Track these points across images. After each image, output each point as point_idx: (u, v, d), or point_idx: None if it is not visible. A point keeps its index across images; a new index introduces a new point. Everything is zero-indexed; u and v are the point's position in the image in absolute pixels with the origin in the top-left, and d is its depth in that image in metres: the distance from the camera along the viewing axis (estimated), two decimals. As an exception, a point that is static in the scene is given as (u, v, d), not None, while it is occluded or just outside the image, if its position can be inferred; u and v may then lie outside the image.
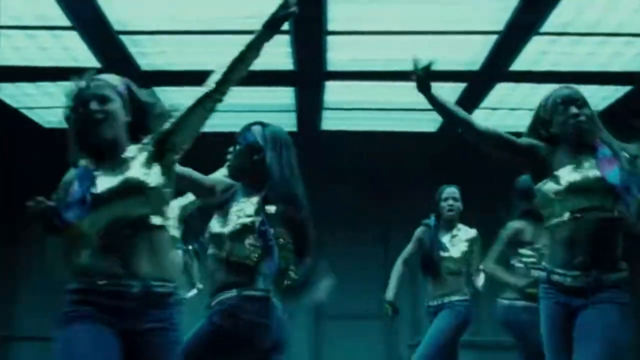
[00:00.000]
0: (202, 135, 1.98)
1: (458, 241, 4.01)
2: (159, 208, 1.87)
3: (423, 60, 2.29)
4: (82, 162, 1.89)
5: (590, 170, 2.23)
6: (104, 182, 1.83)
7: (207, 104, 1.92)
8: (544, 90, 5.60)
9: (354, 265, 6.67)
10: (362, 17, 4.34)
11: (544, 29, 4.41)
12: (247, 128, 2.52)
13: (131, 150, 1.90)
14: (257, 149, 2.46)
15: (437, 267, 3.94)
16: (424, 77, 2.30)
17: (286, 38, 4.57)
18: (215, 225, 2.38)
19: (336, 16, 4.28)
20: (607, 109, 5.40)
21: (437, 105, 2.38)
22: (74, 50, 4.76)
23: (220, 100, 1.94)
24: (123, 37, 4.56)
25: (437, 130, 6.47)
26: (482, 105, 5.83)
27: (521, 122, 5.90)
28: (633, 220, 2.22)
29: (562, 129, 2.30)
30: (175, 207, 3.53)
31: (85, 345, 1.74)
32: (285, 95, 5.76)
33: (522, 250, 3.62)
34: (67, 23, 4.35)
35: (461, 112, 2.39)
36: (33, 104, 5.95)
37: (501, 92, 5.56)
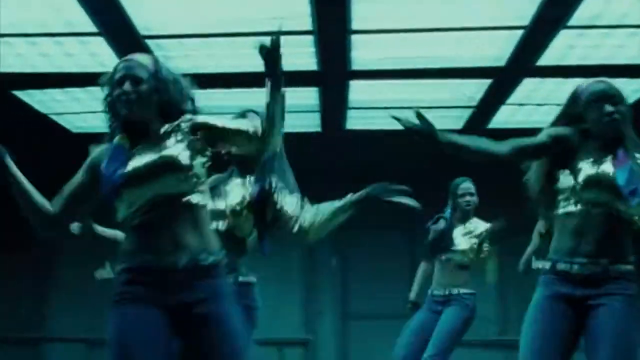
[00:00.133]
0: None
1: (469, 235, 4.01)
2: (195, 185, 1.89)
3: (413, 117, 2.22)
4: (117, 140, 1.92)
5: (606, 166, 2.18)
6: (139, 160, 1.87)
7: (247, 143, 2.01)
8: (572, 84, 5.50)
9: (380, 265, 6.66)
10: (386, 15, 4.31)
11: (571, 22, 4.33)
12: (244, 116, 2.59)
13: (166, 128, 1.93)
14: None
15: (443, 256, 3.96)
16: (425, 126, 2.20)
17: (310, 38, 4.58)
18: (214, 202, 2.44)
19: (360, 15, 4.27)
20: (637, 101, 5.29)
21: (456, 147, 2.23)
22: (101, 56, 4.83)
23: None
24: (149, 42, 4.61)
25: (463, 127, 6.42)
26: (509, 101, 5.76)
27: (548, 117, 5.82)
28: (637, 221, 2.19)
29: (596, 126, 2.21)
30: None
31: (134, 328, 1.77)
32: (309, 96, 5.76)
33: None
34: (94, 29, 4.41)
35: (481, 144, 2.26)
36: (62, 110, 6.05)
37: (528, 87, 5.49)
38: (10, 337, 6.32)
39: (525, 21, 4.32)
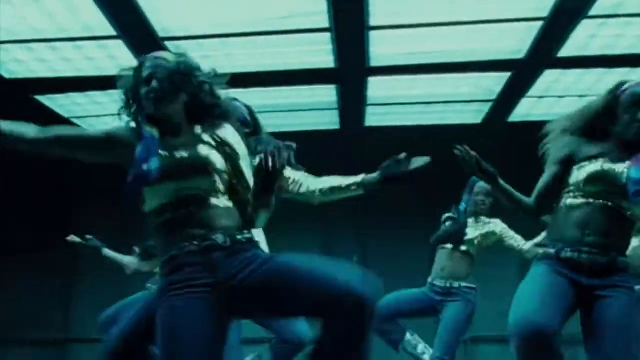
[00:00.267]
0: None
1: (478, 226, 4.00)
2: (220, 186, 1.91)
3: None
4: (149, 130, 1.90)
5: (614, 165, 2.17)
6: (171, 157, 1.88)
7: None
8: (594, 75, 5.45)
9: (402, 262, 6.63)
10: (404, 11, 4.29)
11: (592, 12, 4.27)
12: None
13: (195, 129, 1.95)
14: (247, 125, 2.57)
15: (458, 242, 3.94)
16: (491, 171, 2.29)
17: (327, 35, 4.57)
18: None
19: (377, 11, 4.25)
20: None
21: (508, 196, 2.33)
22: (120, 59, 4.87)
23: None
24: (167, 43, 4.64)
25: (483, 121, 6.37)
26: (529, 94, 5.70)
27: (569, 109, 5.75)
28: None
29: (623, 128, 2.20)
30: None
31: (183, 320, 1.78)
32: (327, 93, 5.76)
33: None
34: (113, 32, 4.46)
35: (523, 198, 2.34)
36: (83, 113, 6.12)
37: (548, 79, 5.42)
38: (35, 339, 6.41)
39: (545, 12, 4.27)
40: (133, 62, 5.32)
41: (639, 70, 4.78)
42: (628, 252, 2.25)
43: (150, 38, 4.50)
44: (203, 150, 1.91)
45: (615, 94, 2.26)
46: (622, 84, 2.27)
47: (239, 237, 1.87)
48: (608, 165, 2.17)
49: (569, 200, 2.21)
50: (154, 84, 1.89)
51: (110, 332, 2.55)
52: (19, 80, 5.19)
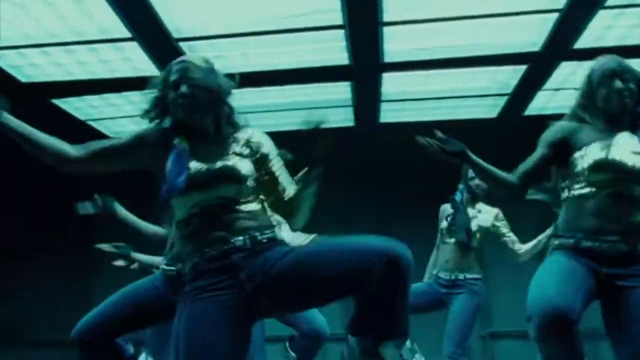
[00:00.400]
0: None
1: (478, 216, 3.97)
2: (255, 192, 1.93)
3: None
4: (179, 142, 1.91)
5: (614, 150, 2.13)
6: (200, 165, 1.88)
7: (274, 194, 2.04)
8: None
9: (420, 258, 6.59)
10: (417, 5, 4.26)
11: (608, 2, 4.21)
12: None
13: (222, 135, 1.95)
14: None
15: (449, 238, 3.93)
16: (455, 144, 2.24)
17: (340, 32, 4.56)
18: None
19: (391, 6, 4.23)
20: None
21: (481, 170, 2.28)
22: (135, 61, 4.90)
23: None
24: (181, 44, 4.66)
25: (498, 115, 6.32)
26: (545, 86, 5.64)
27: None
28: None
29: (604, 102, 2.21)
30: None
31: (203, 322, 1.79)
32: (341, 90, 5.75)
33: None
34: (127, 34, 4.48)
35: (501, 173, 2.29)
36: (99, 116, 6.16)
37: (564, 71, 5.35)
38: (50, 340, 6.46)
39: (561, 4, 4.22)
40: (147, 64, 5.39)
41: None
42: None
43: (164, 39, 4.52)
44: (230, 159, 1.90)
45: (589, 76, 2.29)
46: (592, 66, 2.30)
47: (259, 237, 1.86)
48: (612, 154, 2.13)
49: (578, 190, 2.17)
50: (184, 88, 1.89)
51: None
52: (35, 84, 5.24)
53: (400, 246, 1.78)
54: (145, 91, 2.01)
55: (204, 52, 4.81)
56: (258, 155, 1.97)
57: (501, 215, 4.06)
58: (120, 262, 3.52)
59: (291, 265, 1.80)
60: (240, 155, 1.93)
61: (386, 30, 4.56)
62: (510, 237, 4.02)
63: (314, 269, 1.78)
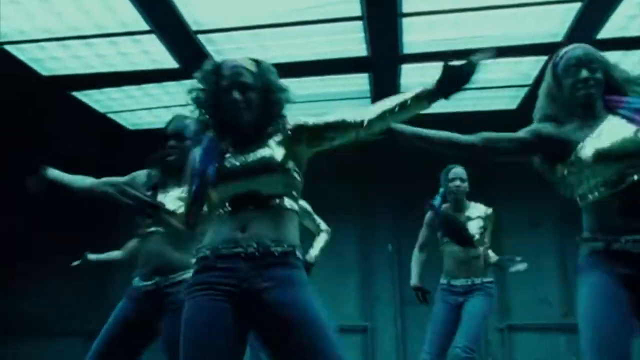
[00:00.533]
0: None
1: (471, 224, 3.90)
2: (289, 189, 1.91)
3: None
4: (209, 135, 1.95)
5: (603, 138, 2.03)
6: (238, 159, 1.90)
7: (352, 134, 1.97)
8: (635, 56, 5.26)
9: (435, 250, 6.56)
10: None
11: (633, -9, 4.14)
12: (184, 125, 2.61)
13: (267, 131, 1.95)
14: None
15: (447, 248, 3.89)
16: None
17: (359, 24, 4.53)
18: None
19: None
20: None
21: (421, 138, 2.19)
22: (154, 54, 4.92)
23: (364, 138, 1.98)
24: (200, 37, 4.66)
25: (518, 107, 6.24)
26: (567, 78, 5.56)
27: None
28: None
29: (569, 93, 2.12)
30: None
31: (200, 316, 1.80)
32: (360, 82, 5.72)
33: None
34: (146, 27, 4.50)
35: (450, 134, 2.20)
36: (118, 108, 6.21)
37: (587, 62, 5.28)
38: (71, 330, 6.55)
39: (583, -6, 4.15)
40: (166, 56, 5.39)
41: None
42: None
43: (182, 32, 4.53)
44: (273, 152, 1.90)
45: (554, 65, 2.18)
46: (557, 53, 2.19)
47: (273, 248, 1.83)
48: (600, 142, 2.03)
49: (594, 195, 2.04)
50: (236, 95, 1.90)
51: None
52: (55, 77, 5.29)
53: None
54: (196, 85, 1.99)
55: (222, 44, 4.82)
56: (301, 137, 1.94)
57: (493, 217, 3.99)
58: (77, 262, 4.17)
59: (284, 321, 1.77)
60: (279, 144, 1.93)
61: (405, 21, 4.52)
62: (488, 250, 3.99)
63: (294, 343, 1.77)
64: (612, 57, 5.21)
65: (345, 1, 4.21)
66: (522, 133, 2.20)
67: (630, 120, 2.05)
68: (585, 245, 2.07)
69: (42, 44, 4.72)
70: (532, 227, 6.52)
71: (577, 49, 2.17)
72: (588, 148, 2.05)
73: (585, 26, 4.57)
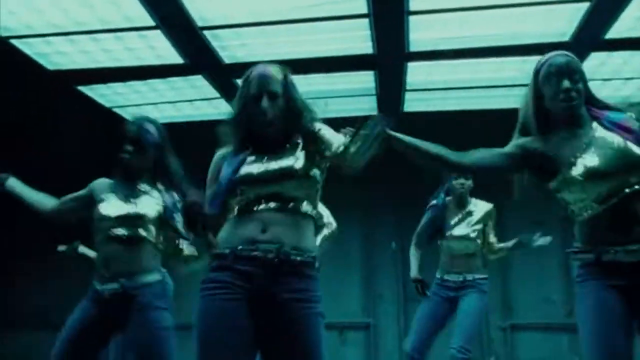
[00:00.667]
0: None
1: (470, 220, 3.90)
2: (309, 194, 1.92)
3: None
4: (224, 151, 2.01)
5: (591, 156, 1.99)
6: (260, 166, 1.92)
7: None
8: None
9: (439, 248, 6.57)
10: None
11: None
12: (142, 126, 2.65)
13: (291, 141, 1.97)
14: (160, 148, 2.67)
15: (445, 244, 3.88)
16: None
17: (365, 21, 4.52)
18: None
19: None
20: None
21: (416, 150, 2.08)
22: (159, 49, 4.92)
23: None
24: (205, 32, 4.66)
25: (525, 106, 6.22)
26: (574, 77, 5.53)
27: (616, 93, 5.58)
28: None
29: (551, 104, 2.06)
30: None
31: (214, 314, 1.82)
32: (365, 79, 5.71)
33: None
34: (152, 23, 4.49)
35: (442, 151, 2.11)
36: (124, 103, 6.21)
37: (593, 62, 5.24)
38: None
39: (592, -7, 4.13)
40: (172, 52, 5.40)
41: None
42: None
43: (189, 27, 4.52)
44: (294, 161, 1.92)
45: (535, 73, 2.11)
46: (539, 61, 2.12)
47: (293, 257, 1.84)
48: (590, 159, 1.99)
49: (585, 212, 2.02)
50: (264, 103, 1.91)
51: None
52: (62, 71, 5.29)
53: None
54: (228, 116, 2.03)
55: (228, 40, 4.81)
56: (313, 145, 1.95)
57: (494, 213, 3.98)
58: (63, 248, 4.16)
59: (290, 323, 1.81)
60: (300, 152, 1.94)
61: (412, 19, 4.50)
62: (493, 241, 3.99)
63: (291, 347, 1.80)
64: (620, 57, 5.24)
65: (351, -1, 4.20)
66: (509, 148, 2.14)
67: (613, 132, 2.01)
68: (577, 258, 2.07)
69: (49, 38, 4.73)
70: (536, 225, 6.50)
71: (558, 56, 2.09)
72: (578, 167, 2.00)
73: (593, 26, 4.55)
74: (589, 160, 2.00)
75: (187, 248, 3.75)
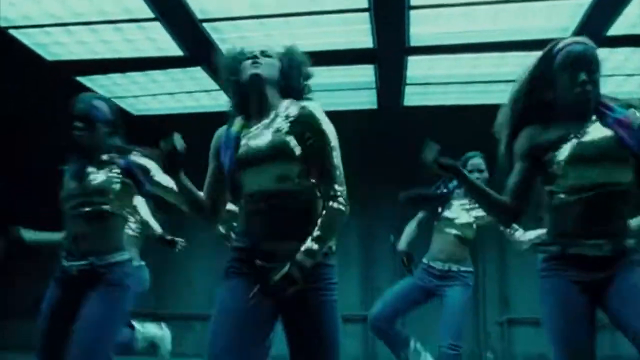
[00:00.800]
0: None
1: (468, 210, 3.88)
2: (300, 177, 1.93)
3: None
4: (233, 127, 2.03)
5: (585, 142, 1.98)
6: (252, 143, 1.96)
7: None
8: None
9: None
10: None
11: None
12: (90, 103, 2.65)
13: (281, 107, 2.01)
14: (110, 124, 2.66)
15: (443, 227, 3.87)
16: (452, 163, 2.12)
17: (365, 15, 4.49)
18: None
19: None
20: None
21: (477, 190, 2.14)
22: (159, 41, 4.90)
23: None
24: (205, 25, 4.64)
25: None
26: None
27: (617, 89, 5.55)
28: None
29: (564, 94, 2.01)
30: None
31: (233, 299, 1.89)
32: (365, 73, 5.69)
33: None
34: (151, 15, 4.47)
35: (498, 196, 2.13)
36: (123, 94, 6.19)
37: (596, 58, 5.23)
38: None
39: (594, -11, 4.10)
40: (171, 44, 5.36)
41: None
42: None
43: (188, 20, 4.50)
44: (278, 136, 1.93)
45: (548, 56, 2.05)
46: (555, 44, 2.06)
47: (304, 263, 1.84)
48: (579, 146, 1.99)
49: (560, 196, 2.02)
50: (257, 53, 2.01)
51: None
52: (61, 62, 5.27)
53: None
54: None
55: (227, 32, 4.79)
56: (308, 135, 1.96)
57: None
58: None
59: (306, 305, 1.87)
60: (285, 129, 1.95)
61: (413, 13, 4.48)
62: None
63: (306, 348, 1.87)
64: (622, 54, 5.21)
65: (352, -8, 4.17)
66: (519, 163, 2.11)
67: (611, 129, 1.99)
68: (542, 250, 2.08)
69: (47, 29, 4.71)
70: (536, 222, 6.51)
71: (577, 44, 2.03)
72: (565, 150, 2.00)
73: (595, 22, 4.52)
74: (576, 147, 1.99)
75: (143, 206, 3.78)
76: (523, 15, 4.50)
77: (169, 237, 3.92)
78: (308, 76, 2.09)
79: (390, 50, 5.07)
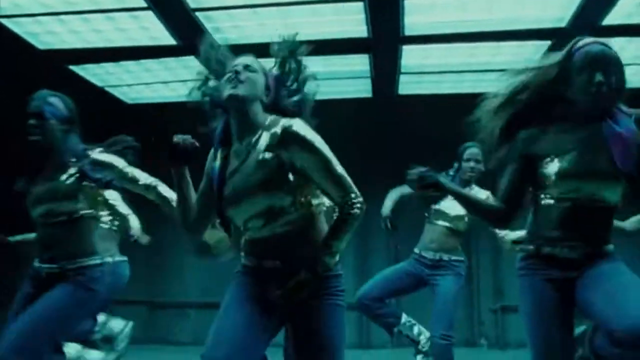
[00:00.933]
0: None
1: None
2: (290, 203, 1.90)
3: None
4: (215, 160, 2.00)
5: (585, 156, 1.97)
6: (236, 183, 1.94)
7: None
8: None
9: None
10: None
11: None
12: (45, 99, 2.56)
13: (266, 125, 1.94)
14: (67, 122, 2.58)
15: (433, 219, 3.86)
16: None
17: (360, 5, 4.46)
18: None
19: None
20: None
21: (462, 198, 2.25)
22: (151, 30, 4.86)
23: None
24: (198, 14, 4.60)
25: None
26: (570, 63, 5.50)
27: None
28: None
29: (579, 94, 1.96)
30: None
31: (237, 302, 1.93)
32: (360, 62, 5.67)
33: None
34: (143, 4, 4.43)
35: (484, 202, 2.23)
36: (116, 82, 6.16)
37: (590, 47, 5.22)
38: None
39: (589, -21, 4.09)
40: (164, 33, 5.31)
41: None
42: None
43: (181, 9, 4.46)
44: (264, 172, 1.88)
45: (568, 57, 1.99)
46: (576, 42, 2.01)
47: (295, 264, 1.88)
48: (579, 159, 1.97)
49: (544, 200, 2.04)
50: (239, 68, 1.94)
51: None
52: (53, 51, 5.23)
53: None
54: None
55: (220, 22, 4.75)
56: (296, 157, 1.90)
57: (492, 198, 3.95)
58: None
59: (312, 328, 1.89)
60: (271, 159, 1.89)
61: (407, 2, 4.46)
62: None
63: (319, 344, 1.89)
64: (617, 44, 5.18)
65: (346, -19, 4.15)
66: (515, 164, 2.10)
67: (609, 141, 1.95)
68: (519, 248, 2.14)
69: (39, 18, 4.66)
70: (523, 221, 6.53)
71: (595, 44, 1.96)
72: (557, 164, 2.00)
73: (590, 12, 4.51)
74: (569, 161, 1.98)
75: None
76: (518, 5, 4.48)
77: (133, 238, 3.94)
78: (300, 88, 2.04)
79: (385, 39, 5.05)
